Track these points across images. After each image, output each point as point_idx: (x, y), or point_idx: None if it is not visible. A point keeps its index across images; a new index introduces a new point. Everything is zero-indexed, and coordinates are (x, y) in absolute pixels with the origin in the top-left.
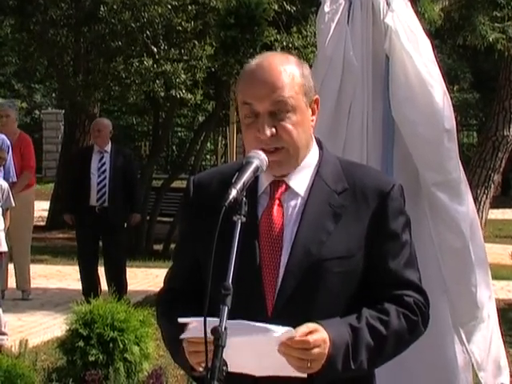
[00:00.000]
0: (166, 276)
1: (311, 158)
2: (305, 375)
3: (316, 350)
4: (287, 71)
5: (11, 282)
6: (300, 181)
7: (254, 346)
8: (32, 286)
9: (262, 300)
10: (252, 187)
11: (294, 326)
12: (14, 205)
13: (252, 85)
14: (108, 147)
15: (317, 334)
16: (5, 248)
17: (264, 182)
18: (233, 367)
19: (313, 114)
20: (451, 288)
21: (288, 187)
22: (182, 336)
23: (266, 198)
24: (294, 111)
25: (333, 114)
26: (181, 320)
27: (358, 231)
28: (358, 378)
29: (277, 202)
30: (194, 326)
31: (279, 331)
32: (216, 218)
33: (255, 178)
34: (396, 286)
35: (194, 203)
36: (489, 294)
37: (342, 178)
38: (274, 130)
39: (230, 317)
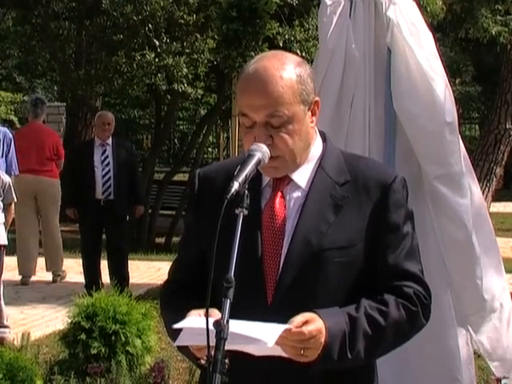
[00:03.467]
0: (171, 268)
1: (314, 152)
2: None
3: (312, 340)
4: (284, 79)
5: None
6: (303, 174)
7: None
8: (34, 278)
9: (262, 290)
10: (255, 180)
11: (293, 315)
12: (15, 199)
13: (248, 94)
14: (109, 140)
15: (312, 325)
16: (4, 241)
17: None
18: (234, 344)
19: (313, 115)
20: (455, 280)
21: (290, 180)
22: (176, 343)
23: (269, 190)
24: (290, 122)
25: (335, 106)
26: (175, 326)
27: (359, 222)
28: (358, 369)
29: (279, 194)
30: (187, 333)
31: (272, 340)
32: (219, 210)
33: (259, 172)
34: (396, 277)
35: (199, 196)
36: (501, 283)
37: (344, 170)
38: (270, 139)
39: (232, 306)
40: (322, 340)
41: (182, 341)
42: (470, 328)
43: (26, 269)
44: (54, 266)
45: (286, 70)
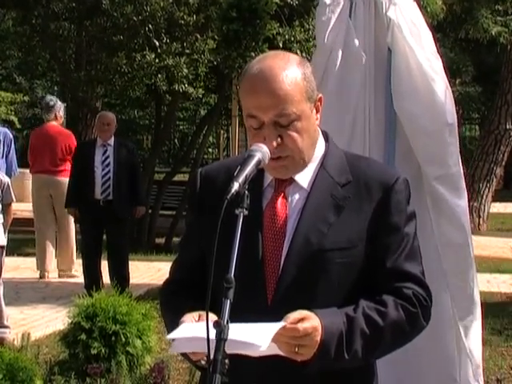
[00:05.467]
0: (171, 267)
1: (317, 151)
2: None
3: (306, 338)
4: (289, 77)
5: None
6: (305, 174)
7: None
8: (34, 279)
9: (262, 290)
10: (257, 180)
11: None
12: (14, 200)
13: (255, 95)
14: (111, 140)
15: (307, 322)
16: (3, 242)
17: (269, 176)
18: (229, 350)
19: (317, 112)
20: (451, 282)
21: (293, 180)
22: (171, 351)
23: (271, 190)
24: (298, 119)
25: (334, 106)
26: (169, 337)
27: (360, 223)
28: (357, 370)
29: (281, 194)
30: (181, 340)
31: (265, 343)
32: (219, 211)
33: (261, 172)
34: (396, 278)
35: (200, 195)
36: (478, 290)
37: (346, 171)
38: (279, 139)
39: (231, 306)
40: (318, 338)
41: (176, 348)
42: (462, 332)
43: (41, 265)
44: (64, 266)
45: (290, 68)
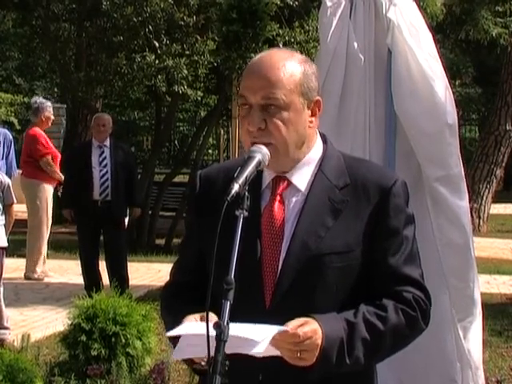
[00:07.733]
0: (172, 269)
1: (314, 154)
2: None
3: (307, 342)
4: (286, 67)
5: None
6: (302, 177)
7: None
8: (33, 280)
9: (260, 294)
10: (255, 182)
11: (292, 319)
12: (15, 201)
13: (248, 77)
14: (107, 142)
15: (307, 327)
16: (4, 243)
17: (267, 178)
18: (230, 351)
19: (313, 115)
20: (450, 283)
21: (290, 183)
22: (174, 357)
23: (269, 193)
24: (286, 109)
25: (337, 107)
26: (170, 333)
27: (358, 227)
28: (357, 371)
29: (278, 197)
30: (184, 343)
31: (260, 338)
32: (219, 212)
33: (259, 174)
34: (395, 282)
35: (199, 197)
36: (479, 291)
37: (344, 173)
38: (263, 123)
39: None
40: (319, 342)
41: (179, 353)
42: (460, 334)
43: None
44: (29, 267)
45: (291, 61)
